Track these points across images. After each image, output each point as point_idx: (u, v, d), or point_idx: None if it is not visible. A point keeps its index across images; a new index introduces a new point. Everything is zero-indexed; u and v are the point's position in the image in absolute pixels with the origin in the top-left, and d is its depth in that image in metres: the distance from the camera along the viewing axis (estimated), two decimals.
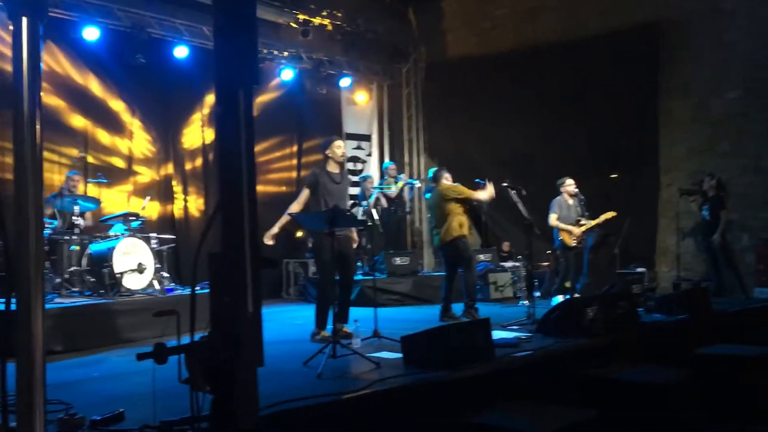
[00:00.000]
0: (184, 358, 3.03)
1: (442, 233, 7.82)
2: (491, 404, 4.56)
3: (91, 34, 9.15)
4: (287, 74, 11.57)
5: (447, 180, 8.01)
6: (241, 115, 2.88)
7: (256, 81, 2.92)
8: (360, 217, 10.19)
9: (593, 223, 9.03)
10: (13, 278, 2.37)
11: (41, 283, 2.21)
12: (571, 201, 9.15)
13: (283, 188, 12.02)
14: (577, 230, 8.97)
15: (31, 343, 2.26)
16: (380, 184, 11.59)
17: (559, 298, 8.71)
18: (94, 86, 9.81)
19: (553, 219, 9.02)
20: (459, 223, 7.74)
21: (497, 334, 6.00)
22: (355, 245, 6.83)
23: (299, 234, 10.65)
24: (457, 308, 7.75)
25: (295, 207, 6.52)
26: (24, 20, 1.85)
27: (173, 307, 3.38)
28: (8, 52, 8.69)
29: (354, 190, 10.97)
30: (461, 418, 4.30)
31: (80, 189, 8.52)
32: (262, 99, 11.58)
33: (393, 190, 11.26)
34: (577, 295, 8.83)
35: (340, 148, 6.73)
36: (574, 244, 9.02)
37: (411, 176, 13.04)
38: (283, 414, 3.78)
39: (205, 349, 2.85)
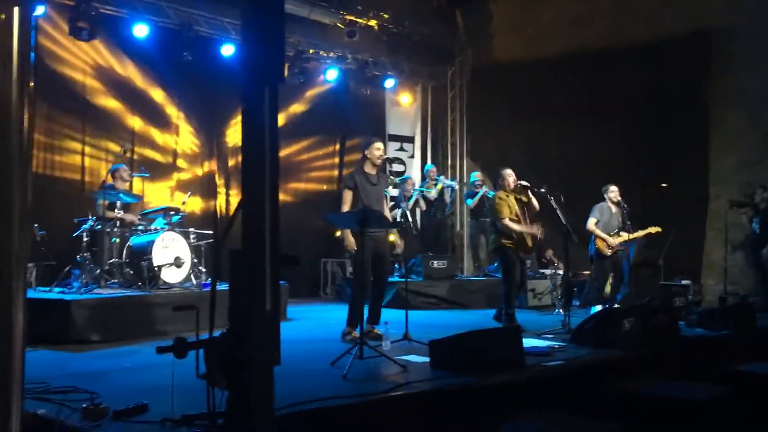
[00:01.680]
0: (203, 354, 3.06)
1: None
2: (518, 413, 4.49)
3: (140, 30, 9.33)
4: (332, 74, 11.62)
5: (509, 177, 7.81)
6: (266, 114, 2.88)
7: (281, 79, 2.92)
8: (398, 219, 10.17)
9: (634, 236, 8.83)
10: None
11: (23, 278, 2.22)
12: (614, 209, 8.97)
13: (324, 186, 12.09)
14: (614, 241, 8.78)
15: (11, 338, 2.26)
16: (420, 186, 11.55)
17: (598, 308, 8.55)
18: (142, 82, 10.00)
19: (591, 223, 8.86)
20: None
21: (530, 342, 5.91)
22: (400, 249, 6.82)
23: (338, 233, 10.68)
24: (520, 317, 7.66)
25: (347, 210, 6.50)
26: (15, 9, 1.87)
27: (207, 301, 3.40)
28: (60, 52, 9.02)
29: (394, 192, 10.97)
30: (487, 425, 4.23)
31: (128, 182, 8.67)
32: (306, 98, 11.67)
33: (432, 193, 11.21)
34: (616, 306, 8.65)
35: (379, 150, 6.72)
36: (609, 254, 8.83)
37: (452, 179, 12.95)
38: (306, 414, 3.77)
39: (223, 346, 2.86)
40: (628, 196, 9.12)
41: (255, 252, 2.78)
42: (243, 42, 2.91)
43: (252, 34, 2.88)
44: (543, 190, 7.65)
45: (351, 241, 6.33)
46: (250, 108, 2.90)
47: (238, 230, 2.98)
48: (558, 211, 7.56)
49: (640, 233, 8.85)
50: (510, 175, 7.80)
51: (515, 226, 7.52)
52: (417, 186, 11.59)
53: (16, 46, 1.84)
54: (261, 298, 2.77)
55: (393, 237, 7.98)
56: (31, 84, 2.02)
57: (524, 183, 7.74)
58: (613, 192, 9.01)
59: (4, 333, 2.17)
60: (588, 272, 10.02)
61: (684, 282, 9.68)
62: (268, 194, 2.84)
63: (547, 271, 10.62)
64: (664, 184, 10.27)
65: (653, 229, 8.87)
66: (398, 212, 10.49)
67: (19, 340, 2.20)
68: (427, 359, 5.23)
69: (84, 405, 3.56)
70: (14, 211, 2.07)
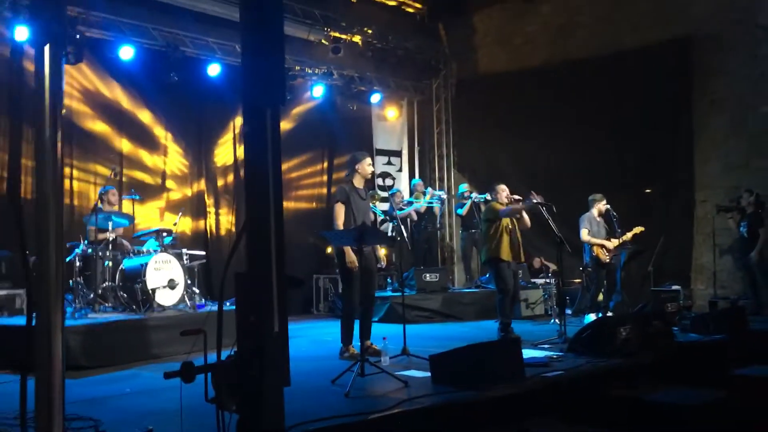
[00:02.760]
0: (210, 377, 3.05)
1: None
2: (521, 424, 4.50)
3: (126, 53, 9.30)
4: (318, 91, 11.64)
5: (502, 192, 7.91)
6: (268, 134, 2.90)
7: (282, 101, 2.94)
8: (389, 232, 10.17)
9: (624, 238, 8.92)
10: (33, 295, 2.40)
11: (62, 300, 2.24)
12: (599, 218, 9.05)
13: (313, 204, 12.08)
14: (611, 245, 8.86)
15: (51, 359, 2.28)
16: (409, 199, 11.57)
17: (592, 316, 8.59)
18: (129, 104, 9.97)
19: (584, 234, 8.92)
20: (499, 244, 7.69)
21: (528, 353, 5.93)
22: (383, 264, 6.81)
23: (329, 250, 10.66)
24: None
25: (341, 225, 6.48)
26: (46, 48, 1.89)
27: (202, 324, 3.40)
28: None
29: (384, 206, 10.97)
30: None
31: (115, 205, 8.63)
32: (293, 115, 11.67)
33: (422, 202, 11.23)
34: (609, 314, 8.70)
35: (371, 165, 6.76)
36: (608, 260, 8.90)
37: (440, 189, 12.97)
38: None
39: (231, 369, 2.85)
40: (616, 204, 9.19)
41: (262, 274, 2.79)
42: (244, 64, 2.93)
43: (253, 57, 2.90)
44: (536, 201, 7.70)
45: (352, 257, 6.28)
46: (252, 130, 2.92)
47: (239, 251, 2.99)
48: (550, 222, 7.61)
49: (628, 235, 8.93)
50: (504, 190, 7.90)
51: (517, 206, 7.68)
52: (405, 199, 11.60)
53: (47, 84, 1.85)
54: (269, 321, 2.78)
55: (384, 251, 7.98)
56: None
57: (517, 197, 7.83)
58: (600, 202, 9.08)
59: (46, 363, 2.18)
60: (579, 280, 10.08)
61: (674, 287, 9.75)
62: (272, 216, 2.85)
63: (539, 281, 10.66)
64: (648, 190, 10.36)
65: (637, 230, 8.95)
66: (389, 226, 10.50)
67: (59, 371, 2.21)
68: (428, 374, 5.23)
69: None
70: (50, 245, 2.07)
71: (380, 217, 10.53)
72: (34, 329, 2.51)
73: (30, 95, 2.03)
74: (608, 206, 9.06)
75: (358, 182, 6.69)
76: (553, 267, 10.96)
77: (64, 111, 2.23)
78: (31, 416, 2.66)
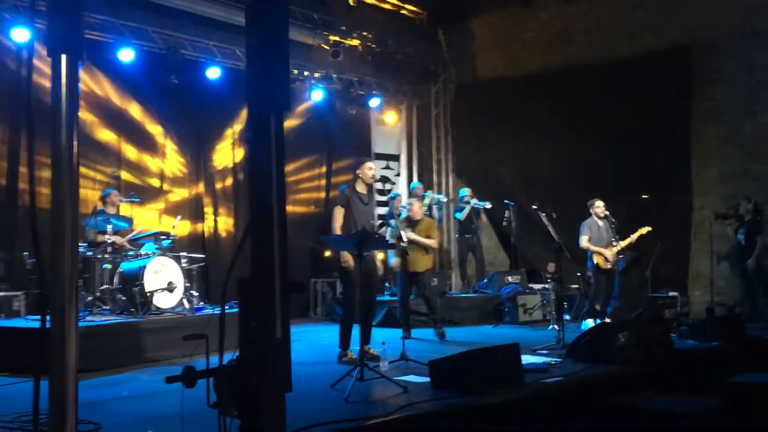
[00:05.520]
0: (212, 382, 3.05)
1: None
2: (520, 431, 4.51)
3: (126, 55, 9.30)
4: (317, 95, 11.65)
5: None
6: (272, 140, 2.91)
7: (287, 106, 2.95)
8: (388, 236, 10.15)
9: (627, 241, 8.92)
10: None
11: (75, 301, 2.26)
12: (601, 223, 9.05)
13: (312, 208, 12.07)
14: (610, 253, 8.86)
15: (65, 361, 2.29)
16: (408, 203, 11.54)
17: (590, 322, 8.60)
18: (128, 106, 9.96)
19: (584, 241, 8.92)
20: None
21: (526, 359, 5.93)
22: (381, 271, 6.85)
23: (327, 254, 10.65)
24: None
25: (339, 228, 6.50)
26: (63, 57, 1.90)
27: (202, 327, 3.40)
28: (41, 80, 8.93)
29: (382, 210, 10.96)
30: None
31: (118, 207, 8.61)
32: (292, 119, 11.66)
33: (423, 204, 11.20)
34: (607, 320, 8.71)
35: (371, 170, 6.77)
36: (608, 267, 8.90)
37: (439, 193, 12.97)
38: None
39: (233, 374, 2.85)
40: (614, 210, 9.21)
41: (264, 280, 2.79)
42: (249, 69, 2.94)
43: (258, 62, 2.91)
44: (534, 206, 7.72)
45: (349, 260, 6.31)
46: (256, 135, 2.92)
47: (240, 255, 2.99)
48: (550, 228, 7.62)
49: (633, 237, 8.93)
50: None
51: None
52: (404, 203, 11.58)
53: (64, 93, 1.86)
54: (271, 326, 2.78)
55: (382, 256, 7.99)
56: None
57: None
58: (599, 207, 9.09)
59: (59, 364, 2.19)
60: (576, 286, 10.09)
61: (671, 293, 9.75)
62: (276, 222, 2.85)
63: (537, 286, 10.66)
64: (645, 196, 10.38)
65: (643, 230, 8.94)
66: (388, 231, 10.48)
67: (73, 373, 2.22)
68: (427, 379, 5.23)
69: None
70: (65, 250, 2.08)
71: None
72: (47, 331, 2.53)
73: (36, 102, 2.05)
74: (607, 212, 9.07)
75: (360, 187, 6.70)
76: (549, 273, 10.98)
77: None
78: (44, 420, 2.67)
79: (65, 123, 1.95)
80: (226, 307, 3.30)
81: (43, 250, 2.83)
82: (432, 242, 8.42)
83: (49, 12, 2.40)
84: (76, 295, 2.25)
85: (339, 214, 6.54)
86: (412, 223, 8.51)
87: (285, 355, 2.84)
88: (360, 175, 6.70)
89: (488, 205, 11.10)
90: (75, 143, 2.04)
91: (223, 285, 3.00)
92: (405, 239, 7.53)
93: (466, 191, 11.50)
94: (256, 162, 2.92)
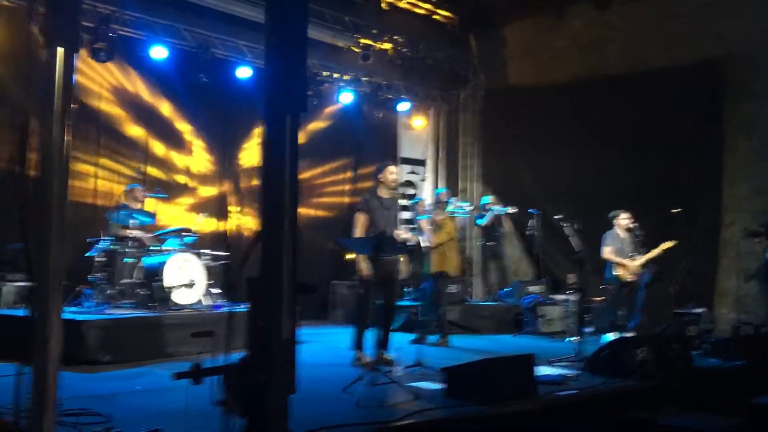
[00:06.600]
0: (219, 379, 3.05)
1: None
2: None
3: (158, 53, 9.40)
4: (346, 97, 11.66)
5: None
6: (287, 141, 2.90)
7: (304, 108, 2.94)
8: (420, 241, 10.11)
9: (652, 254, 8.79)
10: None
11: (60, 293, 2.27)
12: (623, 235, 8.93)
13: (334, 212, 12.06)
14: (633, 264, 8.74)
15: (46, 350, 2.31)
16: (430, 207, 11.49)
17: (610, 336, 8.48)
18: (158, 103, 10.08)
19: (606, 252, 8.82)
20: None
21: (542, 371, 5.86)
22: (405, 274, 6.83)
23: (348, 256, 10.64)
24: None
25: (359, 234, 6.46)
26: (59, 50, 1.91)
27: (219, 324, 3.40)
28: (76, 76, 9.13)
29: (406, 215, 10.92)
30: None
31: (141, 202, 8.69)
32: (320, 121, 11.69)
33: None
34: (629, 334, 8.58)
35: (393, 174, 6.74)
36: (630, 279, 8.78)
37: (463, 200, 12.88)
38: None
39: (239, 373, 2.85)
40: (641, 223, 9.08)
41: (273, 281, 2.79)
42: (266, 70, 2.94)
43: (275, 63, 2.91)
44: (558, 217, 7.65)
45: (364, 266, 6.28)
46: (271, 135, 2.92)
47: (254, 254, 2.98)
48: (572, 239, 7.54)
49: (656, 250, 8.80)
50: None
51: None
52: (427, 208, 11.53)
53: (58, 85, 1.88)
54: (277, 326, 2.77)
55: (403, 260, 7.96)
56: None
57: None
58: (625, 218, 8.97)
59: (40, 351, 2.22)
60: (599, 298, 9.95)
61: (697, 310, 9.57)
62: (287, 224, 2.85)
63: (559, 297, 10.54)
64: (674, 210, 10.21)
65: (668, 244, 8.81)
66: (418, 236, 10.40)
67: (55, 359, 2.23)
68: (440, 386, 5.20)
69: (97, 430, 3.54)
70: (52, 232, 2.09)
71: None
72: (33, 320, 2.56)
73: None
74: (633, 225, 8.95)
75: (383, 192, 6.68)
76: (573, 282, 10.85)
77: (74, 106, 2.26)
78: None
79: (58, 115, 1.96)
80: (240, 305, 3.31)
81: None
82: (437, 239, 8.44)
83: (49, 6, 2.41)
84: (60, 286, 2.27)
85: (360, 219, 6.53)
86: (435, 227, 8.47)
87: (291, 356, 2.83)
88: (382, 180, 6.68)
89: (510, 210, 11.00)
90: (67, 137, 2.05)
91: (231, 282, 3.00)
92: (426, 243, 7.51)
93: (489, 198, 11.43)
94: (269, 162, 2.92)
